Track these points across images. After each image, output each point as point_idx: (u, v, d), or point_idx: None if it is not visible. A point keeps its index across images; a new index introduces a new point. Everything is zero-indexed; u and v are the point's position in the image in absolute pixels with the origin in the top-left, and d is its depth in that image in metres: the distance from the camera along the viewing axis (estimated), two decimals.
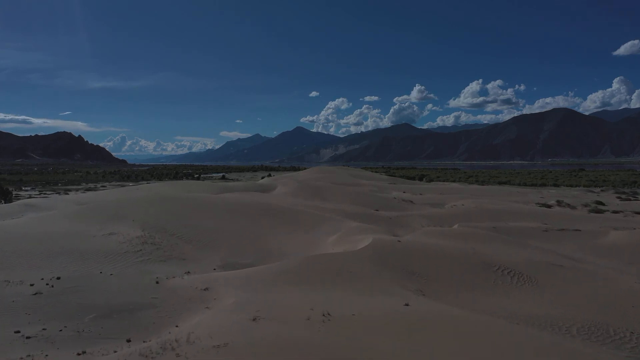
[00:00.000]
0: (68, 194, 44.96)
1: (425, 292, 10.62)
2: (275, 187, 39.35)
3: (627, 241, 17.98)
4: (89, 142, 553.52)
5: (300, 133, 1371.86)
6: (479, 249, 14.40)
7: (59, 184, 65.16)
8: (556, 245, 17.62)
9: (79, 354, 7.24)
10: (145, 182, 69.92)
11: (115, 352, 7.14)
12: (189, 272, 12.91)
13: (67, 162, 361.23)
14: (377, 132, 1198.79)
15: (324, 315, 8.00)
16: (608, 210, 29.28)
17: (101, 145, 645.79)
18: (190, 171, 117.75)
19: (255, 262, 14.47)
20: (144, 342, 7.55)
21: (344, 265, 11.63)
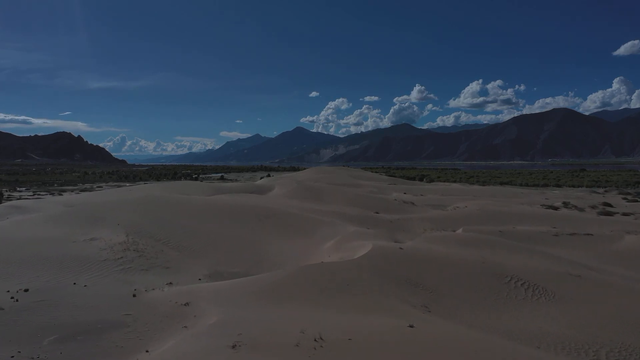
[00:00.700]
0: (62, 194, 43.78)
1: (430, 308, 9.51)
2: (272, 188, 38.21)
3: None
4: (89, 143, 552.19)
5: (300, 133, 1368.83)
6: (487, 256, 13.28)
7: (55, 185, 63.98)
8: (569, 252, 16.48)
9: None
10: (143, 182, 68.75)
11: None
12: (171, 282, 11.82)
13: (67, 162, 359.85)
14: (377, 132, 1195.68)
15: (315, 340, 6.92)
16: (618, 213, 28.08)
17: (101, 145, 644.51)
18: (189, 171, 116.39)
19: (245, 272, 13.39)
20: None
21: (340, 276, 10.51)
